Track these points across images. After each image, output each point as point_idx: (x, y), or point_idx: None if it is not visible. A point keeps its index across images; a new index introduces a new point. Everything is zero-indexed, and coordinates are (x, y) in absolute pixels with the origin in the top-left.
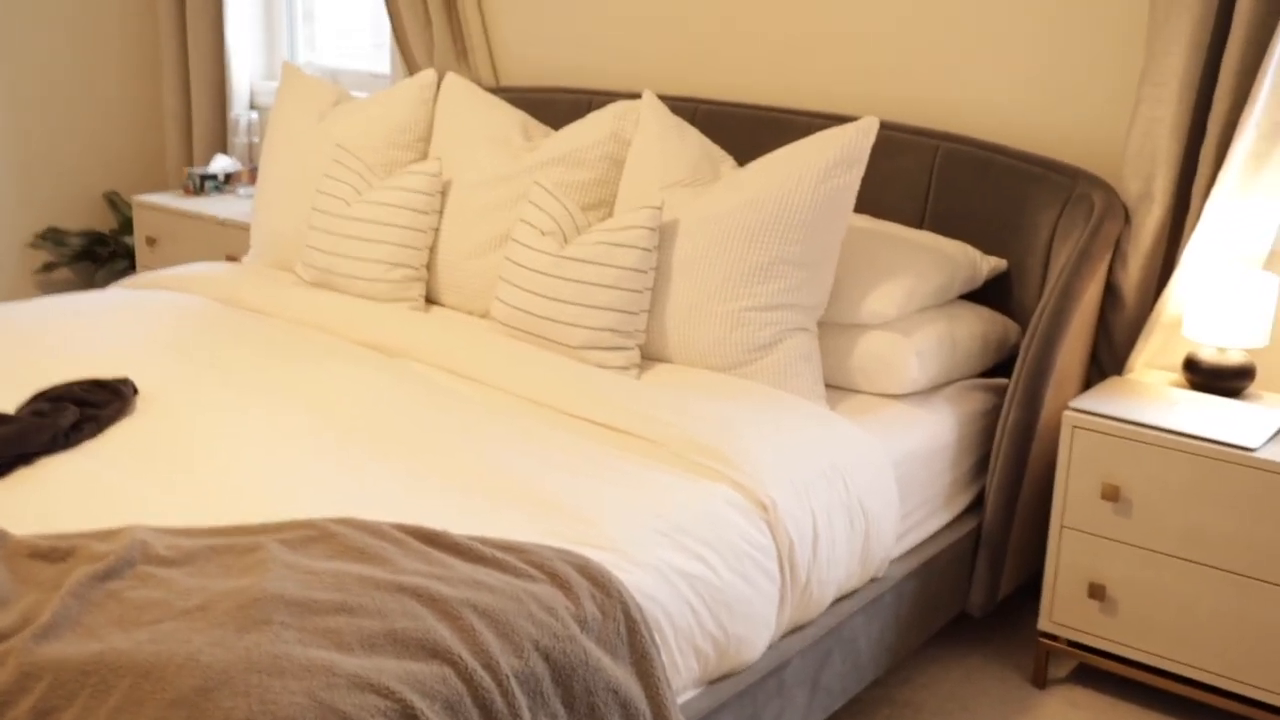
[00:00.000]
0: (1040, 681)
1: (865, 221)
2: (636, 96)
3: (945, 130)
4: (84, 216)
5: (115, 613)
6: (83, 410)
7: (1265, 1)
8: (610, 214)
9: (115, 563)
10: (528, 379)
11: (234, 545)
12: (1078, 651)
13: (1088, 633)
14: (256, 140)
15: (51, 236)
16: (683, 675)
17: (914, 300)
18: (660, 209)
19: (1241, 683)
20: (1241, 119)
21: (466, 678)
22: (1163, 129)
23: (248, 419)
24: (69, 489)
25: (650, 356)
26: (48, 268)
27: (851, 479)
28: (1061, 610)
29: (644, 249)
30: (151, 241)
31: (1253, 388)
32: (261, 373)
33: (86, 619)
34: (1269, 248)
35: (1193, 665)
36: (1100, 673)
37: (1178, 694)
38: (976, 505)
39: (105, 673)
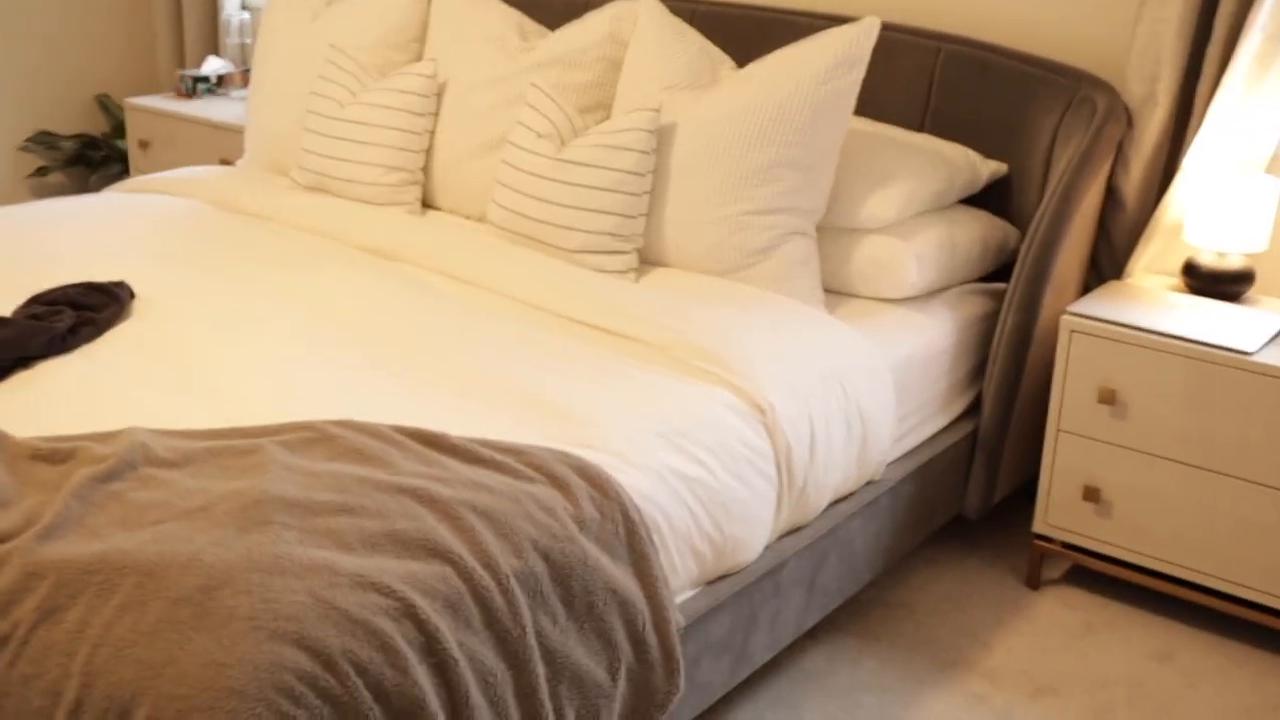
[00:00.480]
0: (1034, 583)
1: (864, 124)
2: None
3: (946, 31)
4: (76, 120)
5: (117, 513)
6: (79, 313)
7: None
8: (608, 117)
9: (116, 464)
10: (525, 282)
11: (233, 447)
12: (1071, 553)
13: (1082, 534)
14: (249, 41)
15: (43, 140)
16: (680, 576)
17: (913, 204)
18: (658, 111)
19: (1234, 583)
20: (1248, 20)
21: (466, 577)
22: (1168, 30)
23: (244, 322)
24: (67, 392)
25: (648, 260)
26: (40, 172)
27: (849, 383)
28: (1056, 513)
29: (642, 152)
30: (144, 145)
31: (1252, 292)
32: (258, 277)
33: (89, 519)
34: (1271, 151)
35: (1186, 566)
36: (1093, 574)
37: (1170, 594)
38: (973, 409)
39: (109, 572)
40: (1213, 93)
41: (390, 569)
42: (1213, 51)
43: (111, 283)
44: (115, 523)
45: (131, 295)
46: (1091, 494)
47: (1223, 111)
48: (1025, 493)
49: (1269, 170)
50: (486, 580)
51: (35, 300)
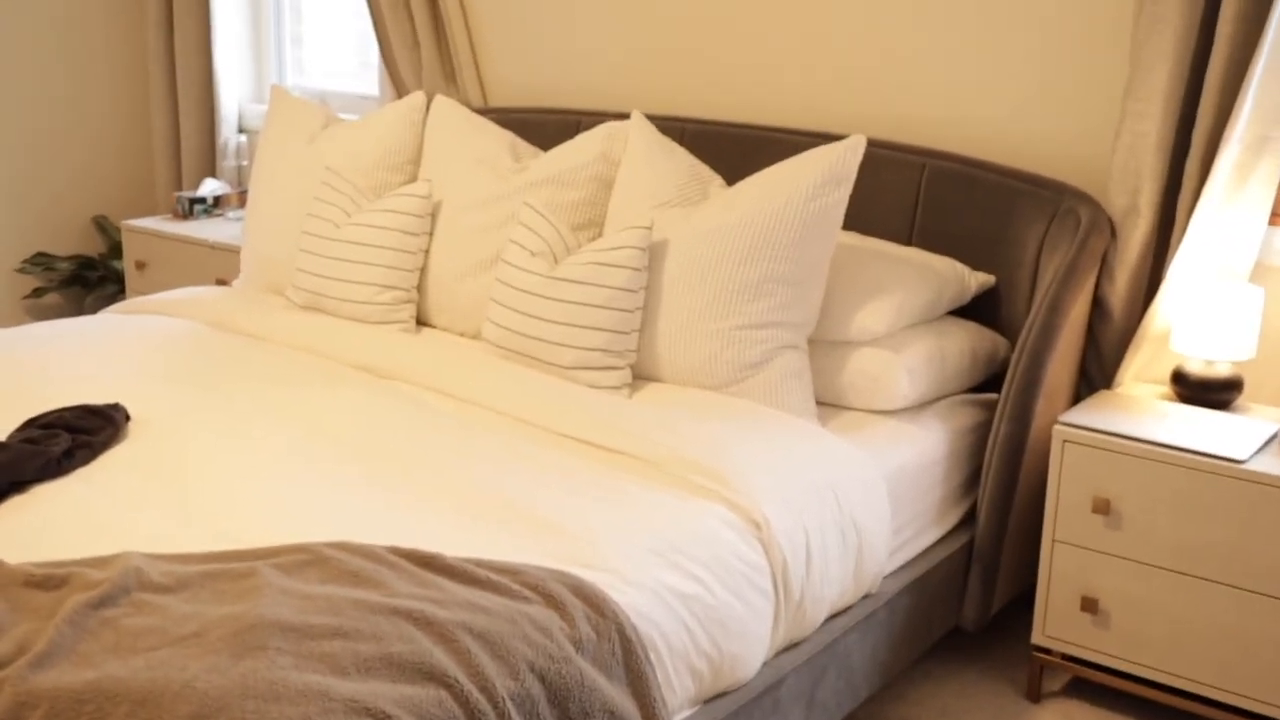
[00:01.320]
0: (1034, 695)
1: (853, 239)
2: (625, 117)
3: (931, 147)
4: (73, 241)
5: (111, 640)
6: (75, 437)
7: (1246, 19)
8: (600, 234)
9: (110, 590)
10: (519, 399)
11: (228, 571)
12: (1072, 665)
13: (1081, 646)
14: (245, 163)
15: (40, 261)
16: (678, 695)
17: (903, 316)
18: (650, 229)
19: (1235, 694)
20: (1225, 133)
21: (462, 700)
22: (1147, 144)
23: (240, 443)
24: (63, 516)
25: (641, 376)
26: (37, 293)
27: (844, 495)
28: (1055, 624)
29: (634, 269)
30: (141, 266)
31: (1241, 400)
32: (253, 397)
33: (82, 647)
34: (1254, 260)
35: (1186, 677)
36: (1094, 686)
37: (1172, 706)
38: (969, 520)
39: (102, 700)
40: (1194, 204)
41: (385, 693)
42: (1192, 164)
43: (107, 405)
44: (108, 650)
45: (127, 417)
46: (1089, 604)
47: (1205, 222)
48: (1023, 603)
49: (1252, 279)
50: (482, 704)
51: (31, 424)
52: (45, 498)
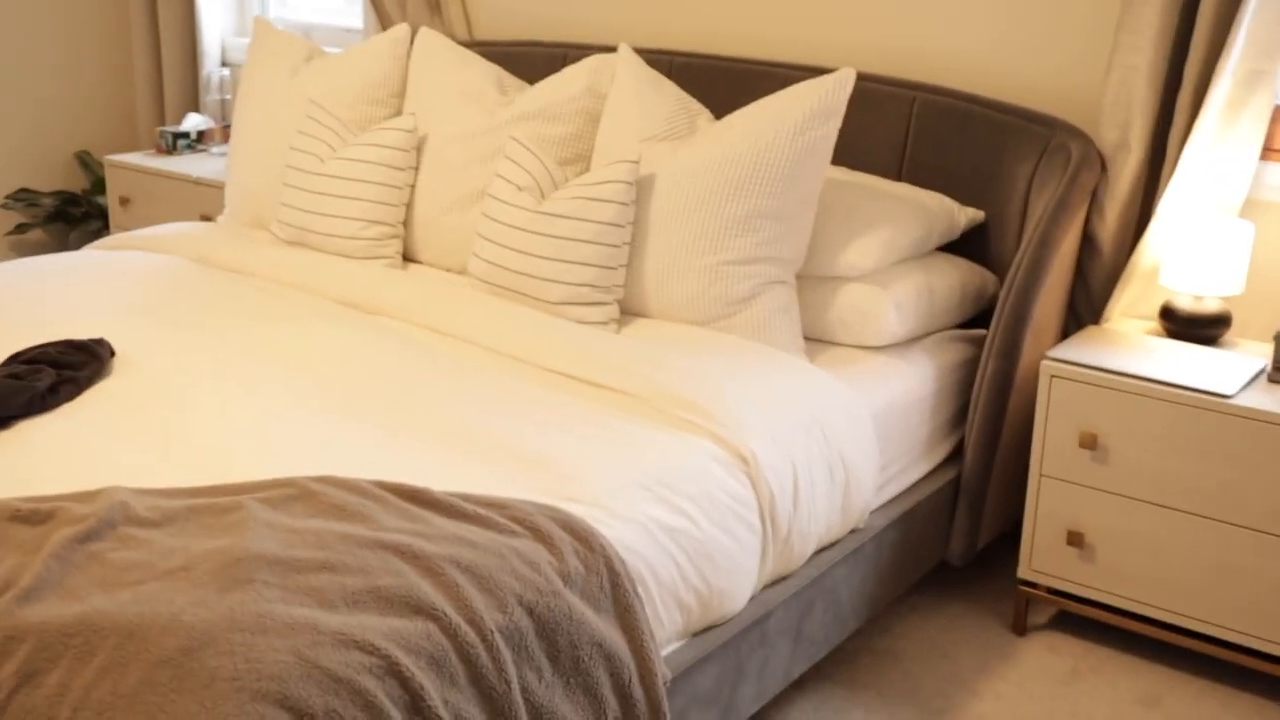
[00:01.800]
0: (1020, 629)
1: (842, 174)
2: (612, 50)
3: (922, 81)
4: (56, 177)
5: (97, 574)
6: (60, 372)
7: None
8: (587, 169)
9: (96, 524)
10: (506, 335)
11: (214, 505)
12: (1057, 599)
13: (1067, 580)
14: (229, 98)
15: (23, 197)
16: (666, 628)
17: (892, 252)
18: (637, 163)
19: (1219, 626)
20: (1217, 67)
21: (451, 633)
22: (1139, 77)
23: (225, 378)
24: (47, 451)
25: (629, 311)
26: (20, 229)
27: (831, 431)
28: (1040, 558)
29: (621, 203)
30: (125, 201)
31: (1228, 335)
32: (239, 332)
33: (68, 581)
34: (1244, 195)
35: (1170, 610)
36: (1079, 619)
37: (1156, 638)
38: (956, 455)
39: (89, 634)
40: (1185, 138)
41: (373, 626)
42: (1184, 98)
43: (91, 340)
44: (95, 584)
45: (111, 353)
46: (1075, 539)
47: (1195, 157)
48: (1009, 538)
49: (1242, 214)
50: (471, 636)
51: (14, 359)
52: (30, 433)
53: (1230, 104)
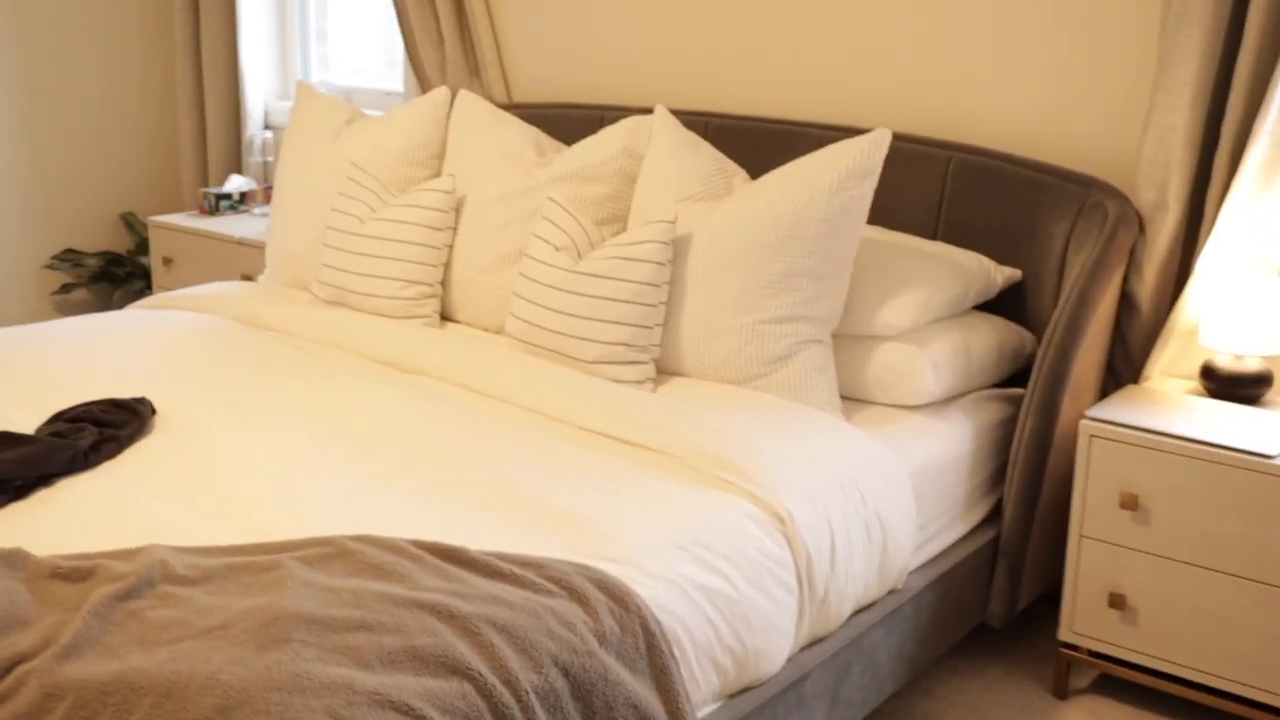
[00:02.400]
0: (1061, 692)
1: (879, 233)
2: (649, 111)
3: (957, 141)
4: (100, 238)
5: (136, 632)
6: (101, 430)
7: (1277, 11)
8: (624, 229)
9: (136, 582)
10: (543, 394)
11: (253, 564)
12: (1099, 661)
13: (1108, 642)
14: (271, 159)
15: (68, 258)
16: (702, 689)
17: (929, 311)
18: (674, 223)
19: (1264, 690)
20: (1255, 126)
21: (486, 694)
22: (1176, 137)
23: (265, 437)
24: (89, 509)
25: (665, 370)
26: (65, 289)
27: (868, 490)
28: (1082, 620)
29: (658, 263)
30: (168, 261)
31: (1270, 394)
32: (278, 391)
33: (107, 639)
34: None
35: (1214, 674)
36: (1122, 682)
37: (1200, 703)
38: (994, 516)
39: (127, 692)
40: (1223, 197)
41: (409, 686)
42: (1221, 158)
43: (133, 399)
44: (133, 642)
45: (153, 411)
46: (1117, 600)
47: (1234, 215)
48: (1050, 599)
49: None
50: (506, 697)
51: (58, 417)
52: (72, 491)
53: (1268, 164)
